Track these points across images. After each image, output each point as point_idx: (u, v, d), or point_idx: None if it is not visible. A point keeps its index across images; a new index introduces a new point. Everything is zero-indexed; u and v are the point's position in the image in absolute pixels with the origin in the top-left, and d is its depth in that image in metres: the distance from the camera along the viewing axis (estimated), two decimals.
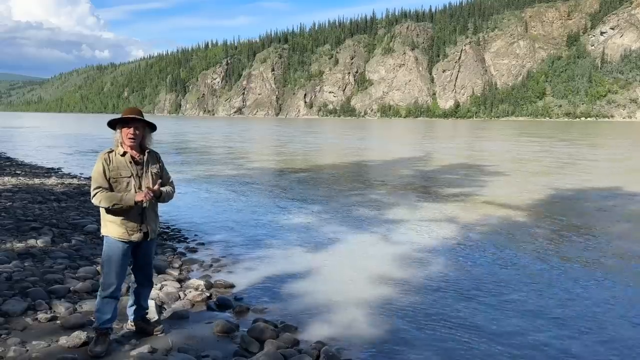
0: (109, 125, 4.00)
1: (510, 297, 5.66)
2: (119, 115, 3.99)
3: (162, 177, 4.14)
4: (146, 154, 4.04)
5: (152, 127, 4.07)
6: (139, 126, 3.94)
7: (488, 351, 4.36)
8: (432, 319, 5.02)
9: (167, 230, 8.58)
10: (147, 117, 4.02)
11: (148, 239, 4.07)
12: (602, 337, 4.70)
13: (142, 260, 4.16)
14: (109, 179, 3.86)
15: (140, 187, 3.96)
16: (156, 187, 3.95)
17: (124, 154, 3.93)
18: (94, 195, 3.84)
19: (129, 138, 3.90)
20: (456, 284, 6.11)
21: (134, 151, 3.96)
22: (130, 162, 3.94)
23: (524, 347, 4.45)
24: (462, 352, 4.33)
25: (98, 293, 4.03)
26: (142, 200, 3.84)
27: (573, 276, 6.48)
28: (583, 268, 6.86)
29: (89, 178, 14.97)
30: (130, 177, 3.92)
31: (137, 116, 3.92)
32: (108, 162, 3.88)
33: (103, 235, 3.99)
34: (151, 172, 4.03)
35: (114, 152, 3.93)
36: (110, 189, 3.87)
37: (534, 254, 7.48)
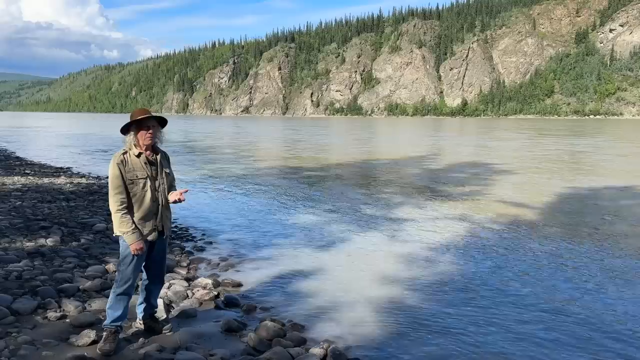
0: (123, 130, 4.01)
1: (520, 298, 5.63)
2: (128, 118, 4.01)
3: (171, 177, 4.20)
4: (159, 154, 4.08)
5: (163, 124, 4.11)
6: (155, 125, 3.98)
7: (497, 351, 4.34)
8: (440, 318, 5.00)
9: (175, 229, 8.61)
10: None
11: (163, 237, 4.14)
12: (618, 341, 4.67)
13: (156, 258, 4.21)
14: (126, 181, 3.88)
15: (155, 189, 3.99)
16: (179, 197, 4.07)
17: (139, 155, 3.95)
18: (117, 210, 3.86)
19: (149, 137, 3.93)
20: (464, 283, 6.08)
21: (148, 152, 3.99)
22: (146, 163, 3.97)
23: (533, 347, 4.43)
24: (470, 352, 4.31)
25: (112, 290, 4.06)
26: (136, 251, 3.91)
27: (585, 279, 6.42)
28: (595, 270, 6.80)
29: (98, 177, 15.10)
30: (146, 178, 3.95)
31: (150, 114, 3.97)
32: (124, 164, 3.89)
33: (118, 235, 3.98)
34: (165, 172, 4.09)
35: (128, 154, 3.94)
36: (127, 191, 3.90)
37: (544, 255, 7.43)
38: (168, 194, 4.11)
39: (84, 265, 6.09)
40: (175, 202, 4.08)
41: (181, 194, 4.08)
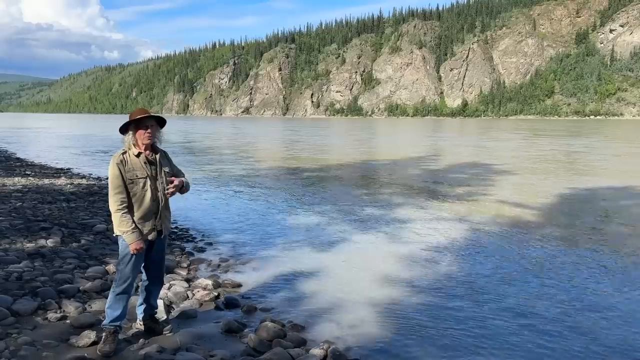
0: (122, 129, 4.01)
1: (518, 299, 5.64)
2: (127, 118, 4.02)
3: (174, 173, 4.20)
4: (159, 153, 4.09)
5: (162, 124, 4.12)
6: (154, 124, 3.99)
7: (498, 347, 4.35)
8: (440, 319, 5.01)
9: (175, 230, 8.61)
10: None
11: (162, 237, 4.15)
12: (616, 341, 4.67)
13: (155, 258, 4.21)
14: (126, 181, 3.89)
15: (155, 188, 4.01)
16: (176, 182, 4.06)
17: (138, 155, 3.96)
18: (117, 210, 3.87)
19: (147, 137, 3.93)
20: (464, 284, 6.09)
21: (147, 151, 4.00)
22: (145, 163, 3.98)
23: (534, 346, 4.43)
24: (470, 352, 4.32)
25: (111, 290, 4.07)
26: (136, 251, 3.92)
27: (584, 279, 6.43)
28: (594, 270, 6.80)
29: (98, 178, 15.10)
30: (146, 177, 3.96)
31: (149, 114, 3.98)
32: (124, 164, 3.90)
33: (117, 235, 3.99)
34: (164, 171, 4.09)
35: (127, 154, 3.95)
36: (126, 191, 3.90)
37: (543, 255, 7.44)
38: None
39: (84, 266, 6.09)
40: (173, 190, 4.08)
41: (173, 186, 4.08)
